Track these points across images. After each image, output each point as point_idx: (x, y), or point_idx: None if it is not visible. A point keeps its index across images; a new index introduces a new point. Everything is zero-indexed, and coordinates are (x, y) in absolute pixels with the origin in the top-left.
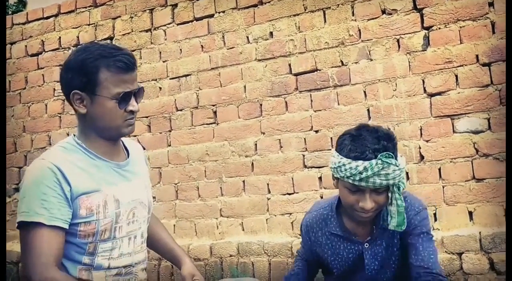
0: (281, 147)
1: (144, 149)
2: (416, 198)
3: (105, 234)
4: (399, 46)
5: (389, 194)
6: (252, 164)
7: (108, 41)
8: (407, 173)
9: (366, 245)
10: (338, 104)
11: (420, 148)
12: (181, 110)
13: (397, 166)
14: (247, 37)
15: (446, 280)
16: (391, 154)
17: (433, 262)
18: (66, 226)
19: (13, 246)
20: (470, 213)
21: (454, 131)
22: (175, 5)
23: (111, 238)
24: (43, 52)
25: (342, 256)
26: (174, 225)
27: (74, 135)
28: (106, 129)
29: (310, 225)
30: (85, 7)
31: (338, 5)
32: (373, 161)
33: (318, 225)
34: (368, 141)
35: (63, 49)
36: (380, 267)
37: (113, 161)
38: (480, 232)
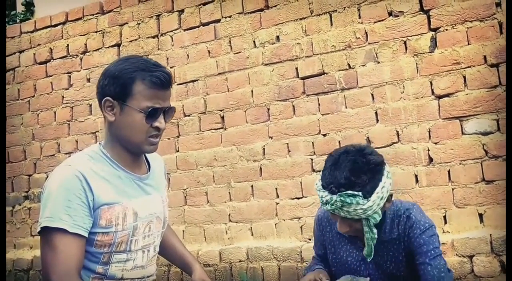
0: (289, 151)
1: None
2: (422, 214)
3: (121, 246)
4: (406, 48)
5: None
6: (260, 168)
7: (116, 47)
8: (416, 176)
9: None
10: (346, 107)
11: (429, 150)
12: (188, 115)
13: (359, 204)
14: (254, 42)
15: None
16: (355, 193)
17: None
18: (86, 235)
19: (24, 254)
20: (480, 215)
21: (463, 133)
22: (181, 11)
23: (126, 250)
24: (51, 60)
25: (342, 257)
26: (183, 231)
27: (100, 143)
28: (129, 142)
29: (321, 219)
30: (93, 15)
31: (345, 8)
32: (334, 197)
33: (329, 220)
34: (340, 171)
35: (71, 57)
36: (384, 275)
37: (135, 174)
38: (490, 235)
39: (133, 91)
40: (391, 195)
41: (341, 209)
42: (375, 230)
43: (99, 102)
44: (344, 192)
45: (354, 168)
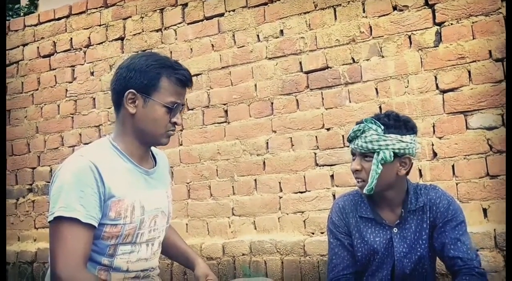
0: (293, 145)
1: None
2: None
3: (127, 239)
4: (410, 43)
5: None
6: (264, 162)
7: (119, 41)
8: (420, 171)
9: (395, 229)
10: (350, 101)
11: (433, 145)
12: (192, 109)
13: (377, 132)
14: (258, 36)
15: (483, 271)
16: (378, 123)
17: (472, 255)
18: (97, 226)
19: (28, 246)
20: (485, 210)
21: (467, 128)
22: (185, 5)
23: (131, 242)
24: (55, 53)
25: (368, 239)
26: (187, 224)
27: (109, 137)
28: (148, 134)
29: (343, 207)
30: (96, 8)
31: (349, 2)
32: (360, 124)
33: (350, 207)
34: (378, 114)
35: (74, 50)
36: (408, 250)
37: (143, 167)
38: (494, 229)
39: (159, 86)
40: (410, 161)
41: (360, 137)
42: (380, 167)
43: (117, 94)
44: (370, 118)
45: (389, 114)
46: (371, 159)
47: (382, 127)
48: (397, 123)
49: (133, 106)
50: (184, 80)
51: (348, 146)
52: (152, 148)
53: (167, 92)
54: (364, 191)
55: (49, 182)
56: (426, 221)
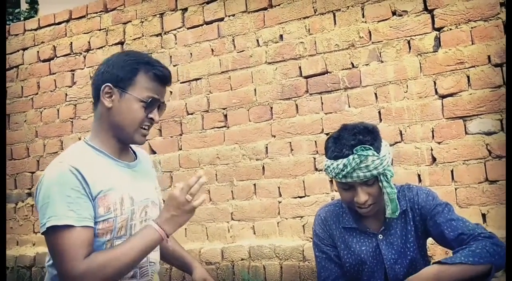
0: (292, 150)
1: (155, 153)
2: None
3: (121, 231)
4: (410, 48)
5: (380, 184)
6: (263, 167)
7: (119, 45)
8: (419, 176)
9: (380, 236)
10: (349, 106)
11: (432, 150)
12: (191, 114)
13: (375, 156)
14: (257, 40)
15: (490, 234)
16: (367, 146)
17: (472, 226)
18: (93, 224)
19: (26, 251)
20: (484, 216)
21: (466, 133)
22: (185, 9)
23: (126, 235)
24: (55, 58)
25: (355, 249)
26: (186, 229)
27: (85, 138)
28: (122, 129)
29: (325, 219)
30: (96, 13)
31: (348, 7)
32: (350, 157)
33: (332, 218)
34: (346, 139)
35: (74, 55)
36: (398, 256)
37: (123, 161)
38: None
39: (136, 80)
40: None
41: (359, 169)
42: (393, 185)
43: (96, 89)
44: (359, 147)
45: (357, 132)
46: (373, 182)
47: (372, 148)
48: (373, 135)
49: (110, 100)
50: (161, 76)
51: None
52: (131, 145)
53: (143, 87)
54: (390, 216)
55: None
56: (409, 223)
